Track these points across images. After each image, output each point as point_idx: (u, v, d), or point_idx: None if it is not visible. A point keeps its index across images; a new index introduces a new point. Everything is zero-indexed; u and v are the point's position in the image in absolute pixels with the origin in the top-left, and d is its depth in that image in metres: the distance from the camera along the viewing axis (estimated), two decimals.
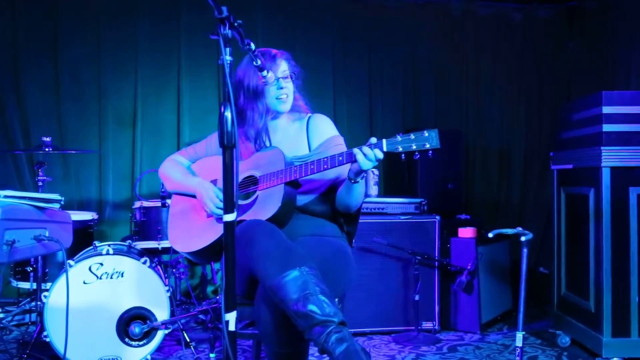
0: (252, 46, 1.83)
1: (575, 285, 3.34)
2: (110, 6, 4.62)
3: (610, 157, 3.02)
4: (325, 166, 2.08)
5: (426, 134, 1.98)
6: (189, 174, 2.45)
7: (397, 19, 5.08)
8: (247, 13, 4.62)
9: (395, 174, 4.74)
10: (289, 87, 2.35)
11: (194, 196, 2.37)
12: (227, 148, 1.63)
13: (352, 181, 2.12)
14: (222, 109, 1.62)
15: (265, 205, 2.16)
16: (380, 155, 2.00)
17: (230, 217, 1.63)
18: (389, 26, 5.07)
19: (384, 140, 2.01)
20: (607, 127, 3.04)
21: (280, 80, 2.32)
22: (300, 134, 2.39)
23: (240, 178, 2.28)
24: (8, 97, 4.47)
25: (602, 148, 3.02)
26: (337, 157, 2.06)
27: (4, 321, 3.65)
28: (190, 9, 4.69)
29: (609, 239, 3.04)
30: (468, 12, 5.19)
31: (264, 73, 2.06)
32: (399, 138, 2.00)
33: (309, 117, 2.42)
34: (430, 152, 1.99)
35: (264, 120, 2.35)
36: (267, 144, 2.36)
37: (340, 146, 2.32)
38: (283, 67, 2.34)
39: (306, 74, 2.46)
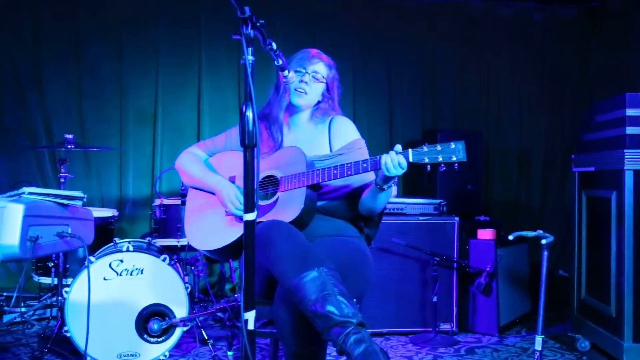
0: (274, 46, 1.83)
1: (595, 289, 3.31)
2: (132, 6, 4.66)
3: (634, 160, 2.98)
4: (349, 172, 2.07)
5: (453, 146, 1.96)
6: (208, 169, 2.43)
7: (417, 19, 5.07)
8: (267, 14, 4.63)
9: (415, 175, 4.72)
10: (312, 86, 2.35)
11: (212, 193, 2.37)
12: (248, 147, 1.63)
13: (379, 187, 2.12)
14: (244, 109, 1.63)
15: (287, 208, 2.15)
16: (404, 163, 1.99)
17: (250, 217, 1.63)
18: (408, 26, 5.06)
19: (410, 150, 2.00)
20: (630, 130, 2.99)
21: (306, 74, 2.33)
22: (322, 135, 2.39)
23: (260, 177, 2.28)
24: (31, 95, 4.55)
25: (625, 151, 2.98)
26: (362, 164, 2.05)
27: (25, 315, 3.70)
28: (211, 8, 4.71)
29: (631, 243, 3.00)
30: (488, 12, 5.16)
31: (285, 73, 2.06)
32: (425, 149, 1.98)
33: (331, 119, 2.41)
34: (456, 164, 1.97)
35: (283, 103, 2.36)
36: (284, 130, 2.37)
37: (363, 150, 2.32)
38: (317, 67, 2.35)
39: None
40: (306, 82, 2.33)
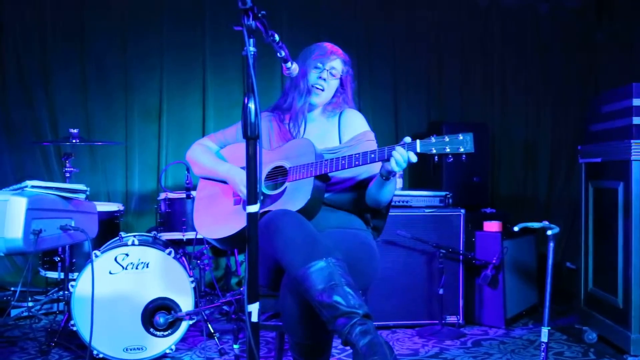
0: (276, 37, 1.82)
1: (602, 281, 3.29)
2: (136, 1, 4.65)
3: None
4: (357, 162, 2.08)
5: (461, 138, 1.96)
6: (219, 159, 2.44)
7: (422, 10, 5.04)
8: (271, 4, 4.61)
9: (420, 167, 4.71)
10: (329, 82, 2.36)
11: (223, 182, 2.37)
12: (251, 139, 1.63)
13: (384, 178, 2.12)
14: (246, 100, 1.62)
15: (294, 197, 2.15)
16: (414, 159, 1.99)
17: (253, 209, 1.62)
18: (413, 18, 5.03)
19: (418, 141, 2.00)
20: (637, 120, 2.97)
21: (324, 71, 2.33)
22: (332, 128, 2.40)
23: (270, 168, 2.29)
24: (37, 91, 4.56)
25: (632, 141, 2.96)
26: (370, 154, 2.06)
27: (32, 310, 3.72)
28: (215, 3, 4.70)
29: (638, 234, 2.98)
30: (494, 3, 5.12)
31: (288, 64, 2.05)
32: (433, 140, 1.98)
33: (341, 112, 2.42)
34: (464, 156, 1.97)
35: (304, 100, 2.35)
36: (302, 127, 2.36)
37: (371, 142, 2.33)
38: (334, 63, 2.35)
39: None
40: (324, 79, 2.35)
